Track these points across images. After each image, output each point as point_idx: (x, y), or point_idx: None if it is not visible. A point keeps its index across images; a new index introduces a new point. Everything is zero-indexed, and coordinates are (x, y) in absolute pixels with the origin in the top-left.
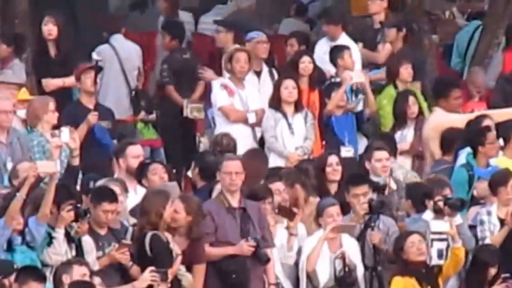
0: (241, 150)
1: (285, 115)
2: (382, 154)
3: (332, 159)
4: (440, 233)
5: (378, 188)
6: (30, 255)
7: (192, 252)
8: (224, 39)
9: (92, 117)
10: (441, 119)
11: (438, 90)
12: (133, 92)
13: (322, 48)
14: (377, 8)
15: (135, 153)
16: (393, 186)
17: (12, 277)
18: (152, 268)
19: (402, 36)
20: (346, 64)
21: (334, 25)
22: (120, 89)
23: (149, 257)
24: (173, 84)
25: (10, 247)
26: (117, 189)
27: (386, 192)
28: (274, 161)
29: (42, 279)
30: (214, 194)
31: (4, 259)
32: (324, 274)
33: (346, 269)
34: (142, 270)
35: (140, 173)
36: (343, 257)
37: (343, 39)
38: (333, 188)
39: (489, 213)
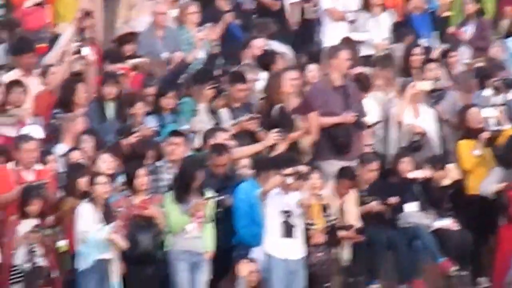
0: None
1: (373, 14)
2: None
3: (416, 50)
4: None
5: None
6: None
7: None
8: None
9: (228, 17)
10: None
11: None
12: None
13: None
14: None
15: (259, 45)
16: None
17: None
18: (277, 129)
19: None
20: None
21: None
22: None
23: (275, 124)
24: None
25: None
26: (247, 73)
27: None
28: (365, 50)
29: (179, 135)
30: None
31: None
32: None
33: (417, 137)
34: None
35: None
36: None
37: None
38: (415, 71)
39: None
